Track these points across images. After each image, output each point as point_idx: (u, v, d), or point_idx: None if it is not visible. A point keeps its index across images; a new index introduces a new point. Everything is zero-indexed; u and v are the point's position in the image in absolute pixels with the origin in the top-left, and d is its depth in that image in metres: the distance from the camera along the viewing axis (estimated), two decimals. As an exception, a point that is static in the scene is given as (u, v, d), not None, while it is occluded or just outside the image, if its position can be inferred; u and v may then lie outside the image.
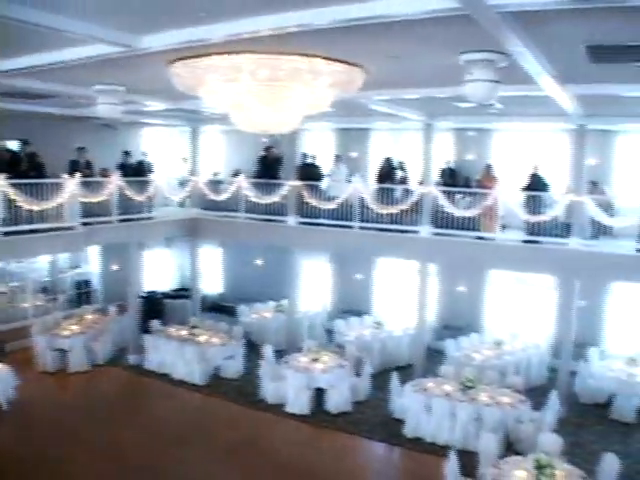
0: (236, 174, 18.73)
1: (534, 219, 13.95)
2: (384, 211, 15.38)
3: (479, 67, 7.66)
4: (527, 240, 14.19)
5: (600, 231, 14.08)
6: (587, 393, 14.50)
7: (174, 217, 18.54)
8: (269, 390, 14.40)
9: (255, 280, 21.20)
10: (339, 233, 15.98)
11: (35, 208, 13.41)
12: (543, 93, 9.74)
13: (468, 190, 15.64)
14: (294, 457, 12.09)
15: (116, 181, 15.93)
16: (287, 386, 14.06)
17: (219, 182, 19.36)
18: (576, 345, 14.28)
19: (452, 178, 17.10)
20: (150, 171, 18.28)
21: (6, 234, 12.91)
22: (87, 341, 16.58)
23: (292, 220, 16.76)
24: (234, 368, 16.00)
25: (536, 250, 13.97)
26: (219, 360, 15.95)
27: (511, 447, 11.70)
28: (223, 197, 17.98)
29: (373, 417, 13.77)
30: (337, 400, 13.84)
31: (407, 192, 15.73)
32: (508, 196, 14.54)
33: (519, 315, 17.44)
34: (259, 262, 21.44)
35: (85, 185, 14.99)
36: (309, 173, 17.14)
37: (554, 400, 12.49)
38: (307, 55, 7.38)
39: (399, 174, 17.38)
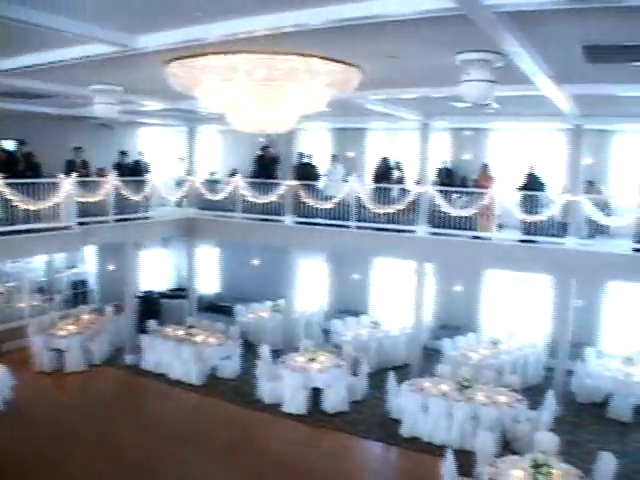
0: (233, 174, 18.73)
1: (531, 219, 13.95)
2: (381, 211, 15.39)
3: (475, 67, 7.66)
4: (524, 240, 14.19)
5: (597, 231, 14.13)
6: (584, 392, 14.52)
7: (171, 217, 18.52)
8: (266, 390, 14.40)
9: (252, 280, 21.19)
10: (336, 233, 15.98)
11: (31, 208, 13.39)
12: (539, 93, 9.75)
13: (465, 190, 15.65)
14: (291, 457, 12.08)
15: (113, 181, 15.91)
16: (284, 386, 14.06)
17: (216, 182, 19.35)
18: (573, 344, 14.30)
19: (449, 178, 17.11)
20: (147, 171, 18.26)
21: (2, 234, 12.88)
22: (84, 341, 16.56)
23: (289, 220, 16.75)
24: (231, 368, 16.00)
25: (533, 250, 13.98)
26: (216, 360, 15.94)
27: (508, 446, 11.70)
28: (220, 197, 17.96)
29: (370, 417, 13.77)
30: (334, 400, 13.84)
31: (404, 192, 15.73)
32: (505, 196, 14.57)
33: (516, 314, 17.46)
34: (256, 262, 21.41)
35: (81, 185, 14.97)
36: (306, 173, 17.14)
37: (551, 399, 12.49)
38: (303, 55, 7.38)
39: (396, 174, 17.37)
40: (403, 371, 15.20)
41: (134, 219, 16.86)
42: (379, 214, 15.45)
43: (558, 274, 14.52)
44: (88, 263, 21.30)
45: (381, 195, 15.75)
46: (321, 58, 7.58)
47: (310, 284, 20.10)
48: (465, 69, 7.77)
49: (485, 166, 16.41)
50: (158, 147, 22.60)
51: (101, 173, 16.80)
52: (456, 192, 15.55)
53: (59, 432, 12.74)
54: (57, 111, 15.93)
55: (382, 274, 19.79)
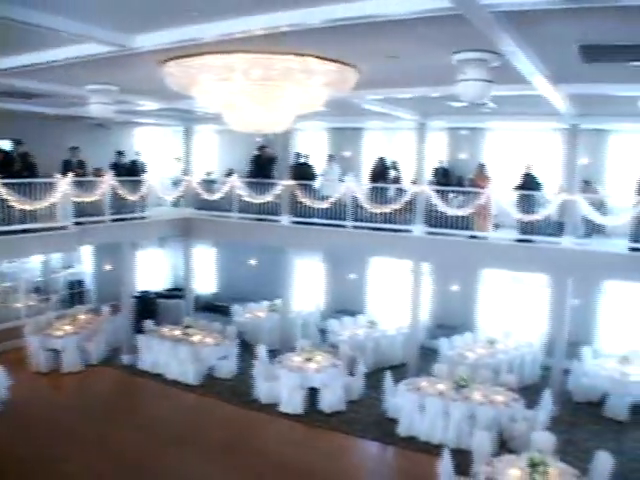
0: (229, 174, 18.72)
1: (527, 218, 13.97)
2: (377, 210, 15.38)
3: (472, 66, 7.67)
4: (520, 239, 14.21)
5: (593, 230, 14.15)
6: (580, 391, 14.54)
7: (167, 217, 18.50)
8: (263, 390, 14.39)
9: (249, 280, 21.19)
10: (332, 232, 15.97)
11: (28, 208, 13.38)
12: (536, 93, 9.76)
13: (461, 189, 15.67)
14: (288, 457, 12.07)
15: (109, 181, 15.89)
16: (281, 386, 14.06)
17: (212, 182, 19.34)
18: (569, 344, 14.31)
19: (445, 177, 17.12)
20: (143, 171, 18.23)
21: (-2, 234, 12.89)
22: (80, 341, 16.54)
23: (285, 220, 16.75)
24: (228, 368, 15.99)
25: (529, 249, 13.99)
26: (213, 360, 15.93)
27: (505, 445, 11.70)
28: (216, 197, 17.96)
29: (367, 416, 13.77)
30: (331, 399, 13.84)
31: (400, 191, 15.74)
32: (501, 195, 14.58)
33: (512, 314, 17.48)
34: (252, 262, 21.43)
35: (78, 185, 14.97)
36: (302, 172, 17.13)
37: (547, 398, 12.51)
38: (300, 54, 7.38)
39: (392, 173, 17.38)
40: (400, 371, 15.20)
41: (131, 219, 16.84)
42: (376, 214, 15.44)
43: (554, 273, 14.53)
44: (85, 263, 21.25)
45: (378, 195, 15.75)
46: (317, 58, 7.59)
47: (307, 284, 20.13)
48: (462, 69, 7.77)
49: (482, 166, 16.41)
50: (155, 147, 22.58)
51: (98, 173, 16.78)
52: (453, 192, 15.56)
53: (56, 432, 12.72)
54: (54, 111, 15.92)
55: (379, 274, 19.80)
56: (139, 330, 17.04)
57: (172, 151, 21.99)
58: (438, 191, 15.00)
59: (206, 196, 18.16)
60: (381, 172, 17.22)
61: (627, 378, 13.96)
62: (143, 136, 22.49)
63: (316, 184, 17.18)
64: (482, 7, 5.27)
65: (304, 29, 6.29)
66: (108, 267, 20.47)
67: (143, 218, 17.29)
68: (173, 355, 15.77)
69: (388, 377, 13.67)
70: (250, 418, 13.79)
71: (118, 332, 17.37)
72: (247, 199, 17.24)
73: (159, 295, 20.54)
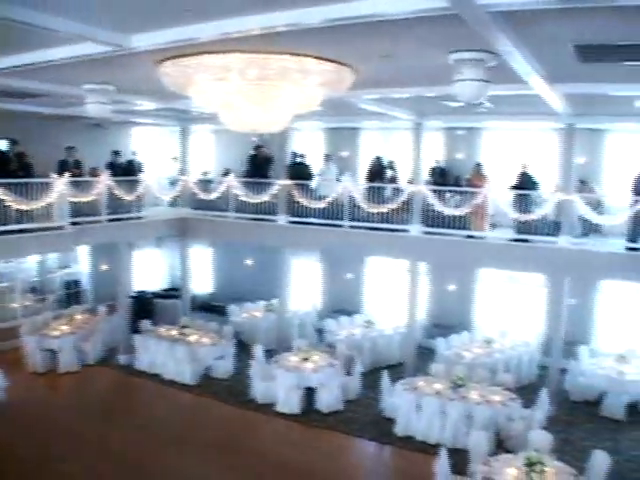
0: (226, 173, 18.71)
1: (524, 218, 13.98)
2: (374, 210, 15.39)
3: (468, 66, 7.67)
4: (517, 239, 14.21)
5: (590, 229, 14.17)
6: (577, 391, 14.56)
7: (164, 217, 18.49)
8: (259, 390, 14.38)
9: (245, 280, 21.19)
10: (329, 232, 15.97)
11: (24, 208, 13.36)
12: (532, 92, 9.78)
13: (458, 189, 15.67)
14: (285, 456, 12.07)
15: (106, 181, 15.88)
16: (277, 386, 14.05)
17: (209, 181, 19.34)
18: (566, 343, 14.33)
19: (442, 177, 17.14)
20: (140, 170, 18.22)
21: (-5, 234, 12.87)
22: (77, 341, 16.52)
23: (282, 219, 16.75)
24: (224, 368, 15.98)
25: (526, 248, 14.00)
26: (210, 360, 15.93)
27: (502, 445, 11.71)
28: (213, 197, 17.95)
29: (364, 416, 13.78)
30: (328, 399, 13.84)
31: (397, 191, 15.74)
32: (498, 195, 14.59)
33: (509, 313, 17.50)
34: (249, 261, 21.44)
35: (74, 185, 14.95)
36: (299, 172, 17.12)
37: (544, 398, 12.51)
38: (296, 54, 7.37)
39: (389, 173, 17.39)
40: (397, 370, 15.20)
41: (127, 219, 16.83)
42: (373, 213, 15.45)
43: (551, 273, 14.54)
44: (81, 263, 21.22)
45: (374, 194, 15.76)
46: (314, 57, 7.58)
47: (304, 284, 20.12)
48: (458, 68, 7.77)
49: (478, 165, 16.43)
50: (151, 147, 22.54)
51: (94, 173, 16.76)
52: (449, 191, 15.56)
53: (54, 432, 12.70)
54: (50, 110, 15.89)
55: (376, 273, 19.81)
56: (136, 330, 17.02)
57: (169, 151, 21.94)
58: (435, 191, 15.00)
59: (203, 196, 18.15)
60: (378, 172, 17.24)
61: (624, 377, 13.97)
62: (140, 136, 22.47)
63: (313, 184, 17.18)
64: (478, 7, 5.27)
65: (300, 29, 6.28)
66: (105, 267, 20.45)
67: (140, 218, 17.29)
68: (170, 355, 15.76)
69: (385, 377, 13.68)
70: (247, 418, 13.79)
71: (115, 332, 17.33)
72: (244, 199, 17.24)
73: (156, 295, 20.51)
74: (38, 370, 15.89)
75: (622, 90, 9.96)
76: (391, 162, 17.62)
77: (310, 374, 14.05)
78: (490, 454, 10.35)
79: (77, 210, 14.94)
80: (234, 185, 17.40)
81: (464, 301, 18.32)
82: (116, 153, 18.10)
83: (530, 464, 9.07)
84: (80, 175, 16.19)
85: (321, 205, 16.08)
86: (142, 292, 19.86)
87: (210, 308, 21.22)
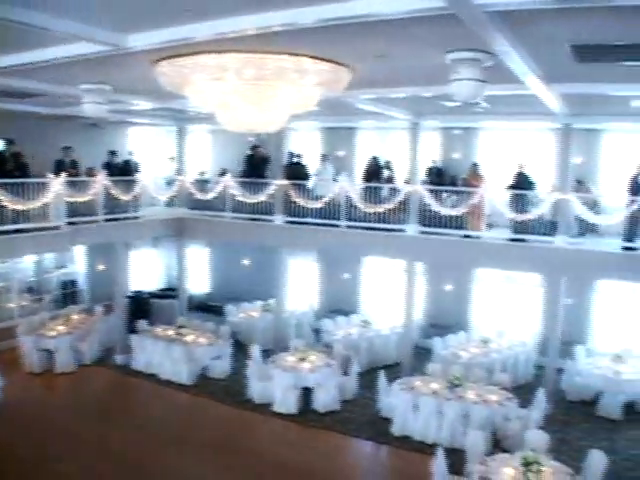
0: (223, 173, 18.69)
1: (520, 217, 13.99)
2: (371, 210, 15.39)
3: (465, 66, 7.67)
4: (513, 238, 14.22)
5: (586, 229, 14.18)
6: (574, 390, 14.58)
7: (161, 217, 18.46)
8: (256, 390, 14.38)
9: (242, 279, 21.18)
10: (326, 232, 15.97)
11: (20, 208, 13.34)
12: (529, 92, 9.78)
13: (455, 189, 15.67)
14: (282, 456, 12.06)
15: (102, 181, 15.86)
16: (274, 386, 14.05)
17: (206, 181, 19.32)
18: (562, 343, 14.33)
19: (439, 177, 17.13)
20: (136, 170, 18.19)
21: (-9, 234, 12.85)
22: (73, 341, 16.49)
23: (279, 219, 16.74)
24: (221, 368, 15.98)
25: (522, 248, 14.01)
26: (206, 360, 15.92)
27: (498, 444, 11.72)
28: (210, 196, 17.93)
29: (361, 416, 13.78)
30: (325, 399, 13.84)
31: (394, 191, 15.74)
32: (494, 195, 14.60)
33: (506, 313, 17.50)
34: (246, 261, 21.42)
35: (71, 185, 14.93)
36: (296, 172, 17.11)
37: (541, 397, 12.53)
38: (293, 54, 7.37)
39: (386, 173, 17.38)
40: (394, 370, 15.21)
41: (124, 219, 16.81)
42: (369, 213, 15.45)
43: (548, 273, 14.56)
44: (78, 263, 21.20)
45: (371, 194, 15.76)
46: (310, 57, 7.58)
47: (300, 284, 20.12)
48: (455, 68, 7.78)
49: (475, 165, 16.42)
50: (148, 147, 22.52)
51: (90, 173, 16.73)
52: (446, 191, 15.57)
53: (51, 432, 12.67)
54: (46, 110, 15.87)
55: (372, 273, 19.81)
56: (132, 330, 17.01)
57: (165, 151, 21.92)
58: (431, 191, 15.00)
59: (199, 196, 18.13)
60: (375, 172, 17.23)
61: (620, 377, 13.99)
62: (137, 136, 22.43)
63: (310, 184, 17.17)
64: (475, 7, 5.27)
65: (297, 29, 6.28)
66: (101, 267, 20.42)
67: (136, 218, 17.27)
68: (167, 355, 15.75)
69: (382, 376, 13.68)
70: (244, 418, 13.79)
71: (111, 332, 17.32)
72: (240, 199, 17.22)
73: (152, 295, 20.49)
74: (35, 370, 15.87)
75: (618, 90, 9.97)
76: (388, 162, 17.61)
77: (307, 374, 14.05)
78: (487, 454, 10.36)
79: (73, 210, 14.92)
80: (231, 185, 17.38)
81: (461, 301, 18.32)
82: (112, 153, 18.07)
83: (527, 464, 9.08)
84: (77, 175, 16.16)
85: (318, 205, 16.07)
86: (139, 292, 19.85)
87: (207, 308, 21.21)
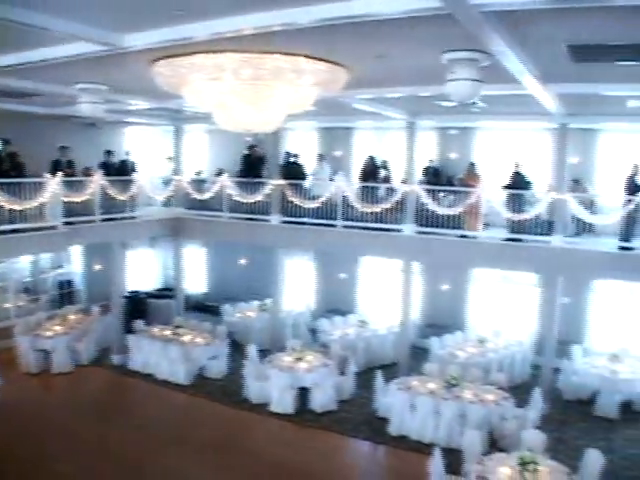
0: (219, 173, 18.68)
1: (517, 217, 14.00)
2: (367, 210, 15.39)
3: (461, 66, 7.68)
4: (510, 238, 14.23)
5: (582, 229, 14.18)
6: (570, 390, 14.60)
7: (157, 217, 18.42)
8: (253, 390, 14.38)
9: (239, 279, 21.17)
10: (323, 232, 15.96)
11: (17, 208, 13.31)
12: (525, 92, 9.79)
13: (451, 189, 15.68)
14: (279, 456, 12.06)
15: (99, 180, 15.83)
16: (271, 385, 14.04)
17: (202, 181, 19.31)
18: (559, 342, 14.36)
19: (435, 177, 17.12)
20: (133, 170, 18.17)
21: (-12, 234, 12.82)
22: (70, 341, 16.48)
23: (275, 219, 16.73)
24: (218, 368, 15.97)
25: (519, 248, 14.02)
26: (203, 360, 15.91)
27: (495, 444, 11.73)
28: (207, 196, 17.92)
29: (358, 416, 13.78)
30: (321, 399, 13.84)
31: (390, 191, 15.74)
32: (491, 194, 14.61)
33: (502, 313, 17.52)
34: (243, 261, 21.41)
35: (67, 184, 14.88)
36: (292, 172, 17.11)
37: (537, 397, 12.55)
38: (290, 54, 7.37)
39: (382, 173, 17.39)
40: (391, 370, 15.20)
41: (121, 219, 16.77)
42: (366, 213, 15.44)
43: (544, 272, 14.58)
44: (74, 263, 21.17)
45: (368, 194, 15.74)
46: (307, 57, 7.58)
47: (297, 283, 20.11)
48: (451, 68, 7.79)
49: (472, 165, 16.45)
50: (145, 146, 22.49)
51: (87, 173, 16.71)
52: (443, 191, 15.56)
53: (48, 432, 12.66)
54: (43, 110, 15.85)
55: (369, 273, 19.81)
56: (129, 330, 16.99)
57: (162, 151, 21.90)
58: (428, 190, 14.99)
59: (196, 196, 18.12)
60: (371, 171, 17.23)
61: (617, 376, 14.03)
62: (133, 136, 22.42)
63: (306, 184, 17.16)
64: (471, 7, 5.28)
65: (294, 29, 6.29)
66: (98, 267, 20.42)
67: (133, 218, 17.22)
68: (163, 355, 15.74)
69: (379, 376, 13.69)
70: (241, 418, 13.79)
71: (108, 332, 17.30)
72: (237, 199, 17.21)
73: (149, 295, 20.48)
74: (31, 370, 15.84)
75: (615, 90, 9.99)
76: (384, 162, 17.63)
77: (304, 374, 14.05)
78: (484, 453, 10.38)
79: (70, 210, 14.86)
80: (228, 185, 17.37)
81: (458, 301, 18.33)
82: (109, 153, 18.05)
83: (523, 463, 9.09)
84: (73, 175, 16.14)
85: (314, 205, 16.07)
86: (136, 292, 19.84)
87: (204, 308, 21.20)
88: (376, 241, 15.39)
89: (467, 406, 12.26)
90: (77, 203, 15.18)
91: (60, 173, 14.60)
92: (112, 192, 16.15)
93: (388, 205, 15.18)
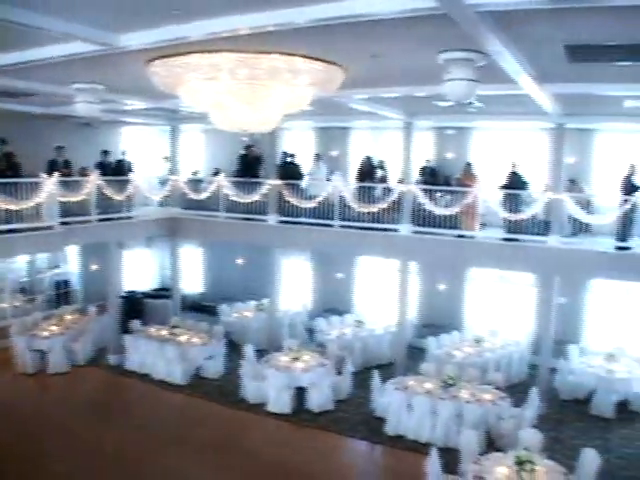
0: (216, 173, 18.67)
1: (514, 217, 14.01)
2: (364, 210, 15.40)
3: (458, 66, 7.69)
4: (507, 238, 14.25)
5: (579, 229, 14.20)
6: (567, 389, 14.61)
7: (154, 216, 18.41)
8: (250, 389, 14.37)
9: (236, 279, 21.17)
10: (320, 232, 15.96)
11: (13, 208, 13.30)
12: (522, 92, 9.79)
13: (448, 188, 15.68)
14: (277, 456, 12.05)
15: (95, 180, 15.81)
16: (268, 385, 14.04)
17: (199, 181, 19.30)
18: (556, 342, 14.38)
19: (432, 176, 17.12)
20: (130, 170, 18.15)
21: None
22: (67, 342, 16.45)
23: (272, 219, 16.73)
24: (215, 368, 15.96)
25: (516, 248, 14.03)
26: (200, 360, 15.89)
27: (492, 444, 11.72)
28: (203, 196, 17.91)
29: (355, 415, 13.78)
30: (318, 399, 13.83)
31: (387, 191, 15.74)
32: (488, 194, 14.62)
33: (499, 312, 17.54)
34: (240, 261, 21.40)
35: (64, 184, 14.88)
36: (289, 172, 17.11)
37: (534, 396, 12.56)
38: (286, 54, 7.36)
39: (379, 173, 17.38)
40: (387, 370, 15.21)
41: (117, 219, 16.76)
42: (363, 213, 15.46)
43: (541, 272, 14.60)
44: (71, 263, 21.15)
45: (365, 194, 15.76)
46: (304, 57, 7.57)
47: (294, 283, 20.10)
48: (448, 68, 7.79)
49: (468, 165, 16.45)
50: (141, 146, 22.45)
51: (83, 172, 16.69)
52: (440, 191, 15.57)
53: (44, 432, 12.63)
54: (39, 110, 15.83)
55: (366, 273, 19.81)
56: (126, 330, 16.97)
57: (159, 150, 21.87)
58: (425, 190, 15.01)
59: (193, 196, 18.11)
60: (368, 171, 17.22)
61: (613, 375, 14.05)
62: (130, 135, 22.38)
63: (303, 183, 17.16)
64: (467, 7, 5.28)
65: (290, 28, 6.29)
66: (95, 267, 20.39)
67: (130, 218, 17.22)
68: (160, 355, 15.72)
69: (376, 376, 13.69)
70: (238, 418, 13.78)
71: (105, 332, 17.28)
72: (234, 198, 17.21)
73: (146, 295, 20.44)
74: (28, 371, 15.81)
75: (611, 90, 10.00)
76: (381, 162, 17.62)
77: (301, 374, 14.04)
78: (481, 453, 10.37)
79: (66, 210, 14.87)
80: (224, 185, 17.37)
81: (454, 300, 18.34)
82: (106, 153, 18.02)
83: (520, 463, 9.09)
84: (69, 175, 16.11)
85: (311, 205, 16.08)
86: (132, 292, 19.79)
87: (200, 308, 21.18)
88: (373, 241, 15.40)
89: (464, 406, 12.26)
90: (73, 203, 15.17)
91: (56, 173, 14.59)
92: (108, 192, 16.14)
93: (385, 205, 15.19)
